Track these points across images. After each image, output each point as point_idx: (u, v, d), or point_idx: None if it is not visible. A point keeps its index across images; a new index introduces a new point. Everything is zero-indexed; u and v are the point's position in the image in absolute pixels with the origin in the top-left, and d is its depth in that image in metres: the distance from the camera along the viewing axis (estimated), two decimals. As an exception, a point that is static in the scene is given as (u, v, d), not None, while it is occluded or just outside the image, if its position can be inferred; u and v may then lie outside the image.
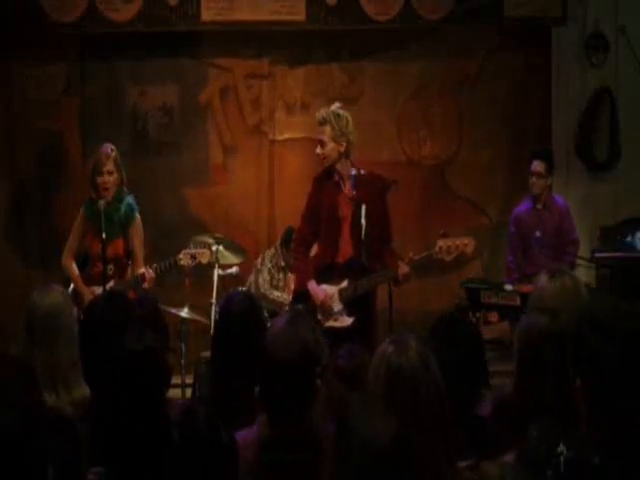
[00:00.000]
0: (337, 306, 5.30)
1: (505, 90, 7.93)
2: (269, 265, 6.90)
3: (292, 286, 6.79)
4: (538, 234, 6.56)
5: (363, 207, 5.20)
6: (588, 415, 2.18)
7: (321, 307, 5.29)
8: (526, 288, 6.01)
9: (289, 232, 6.82)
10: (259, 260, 6.97)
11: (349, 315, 5.28)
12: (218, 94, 7.83)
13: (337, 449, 2.12)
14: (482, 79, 7.92)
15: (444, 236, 5.30)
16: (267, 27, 7.49)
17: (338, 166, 5.33)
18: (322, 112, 5.36)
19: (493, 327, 6.62)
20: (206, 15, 7.39)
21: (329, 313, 5.29)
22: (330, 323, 5.28)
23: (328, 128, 5.29)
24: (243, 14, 7.43)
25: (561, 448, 1.87)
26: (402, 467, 2.08)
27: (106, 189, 5.54)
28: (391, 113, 7.82)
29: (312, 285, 5.33)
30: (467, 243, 5.27)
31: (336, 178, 5.31)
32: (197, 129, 7.82)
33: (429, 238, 7.79)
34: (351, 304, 5.27)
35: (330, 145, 5.29)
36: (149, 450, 2.48)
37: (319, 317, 5.32)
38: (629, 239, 6.95)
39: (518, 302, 6.22)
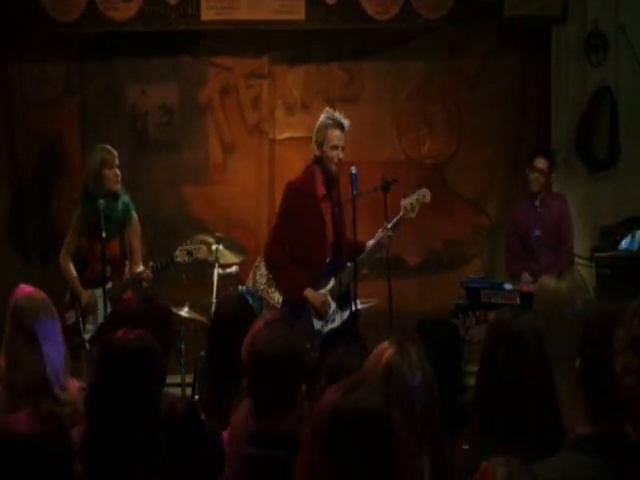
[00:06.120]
0: (332, 307, 5.38)
1: (505, 89, 7.93)
2: (266, 259, 6.90)
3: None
4: (537, 233, 6.55)
5: (338, 206, 5.48)
6: (586, 405, 2.21)
7: (321, 310, 5.33)
8: (526, 288, 6.02)
9: None
10: (258, 257, 6.98)
11: (342, 310, 5.36)
12: (218, 93, 7.83)
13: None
14: (482, 78, 7.92)
15: (404, 196, 5.56)
16: (267, 26, 7.49)
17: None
18: (341, 117, 5.46)
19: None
20: (206, 14, 7.38)
21: (327, 315, 5.34)
22: (329, 326, 5.34)
23: (344, 135, 5.45)
24: (243, 13, 7.42)
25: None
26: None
27: (117, 182, 5.49)
28: (391, 112, 7.82)
29: (309, 291, 5.41)
30: (424, 194, 5.59)
31: (322, 182, 5.42)
32: (197, 128, 7.82)
33: (429, 237, 7.84)
34: (340, 300, 5.39)
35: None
36: (139, 447, 2.49)
37: (317, 327, 5.38)
38: (629, 239, 6.93)
39: (518, 301, 6.22)
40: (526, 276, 6.26)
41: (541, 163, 6.52)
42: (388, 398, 1.89)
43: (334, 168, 5.44)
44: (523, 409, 2.63)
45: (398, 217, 5.54)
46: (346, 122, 5.46)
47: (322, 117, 5.51)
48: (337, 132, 5.41)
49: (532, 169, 6.54)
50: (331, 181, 5.49)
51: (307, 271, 5.42)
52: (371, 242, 5.52)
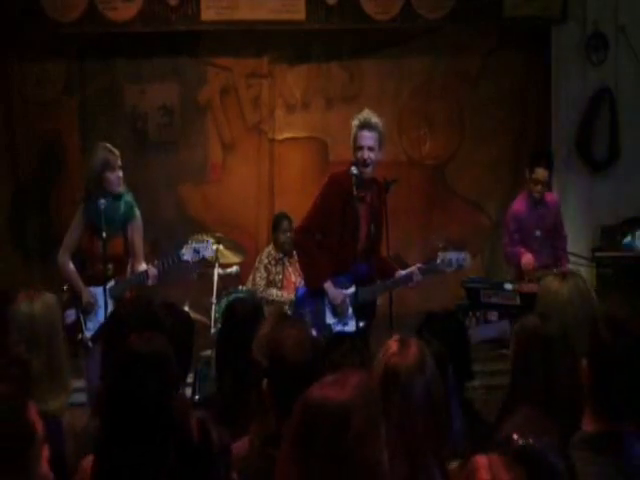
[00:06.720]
0: (349, 310, 5.32)
1: (505, 89, 7.94)
2: (265, 261, 6.89)
3: (293, 279, 6.81)
4: (538, 233, 6.55)
5: (375, 213, 5.27)
6: (593, 405, 2.23)
7: (339, 307, 5.30)
8: (526, 288, 6.02)
9: (278, 218, 6.85)
10: (257, 259, 6.99)
11: (356, 319, 5.29)
12: (218, 93, 7.84)
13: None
14: (482, 78, 7.93)
15: (444, 249, 5.39)
16: (267, 26, 7.49)
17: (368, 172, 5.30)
18: (371, 116, 5.27)
19: (493, 326, 6.61)
20: (206, 14, 7.38)
21: (344, 315, 5.30)
22: (339, 327, 5.29)
23: (377, 135, 5.25)
24: (243, 13, 7.42)
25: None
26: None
27: (119, 185, 5.46)
28: (391, 112, 7.81)
29: (330, 287, 5.31)
30: (466, 259, 5.40)
31: (357, 183, 5.25)
32: (197, 128, 7.83)
33: (429, 237, 7.84)
34: (358, 308, 5.29)
35: (377, 152, 5.25)
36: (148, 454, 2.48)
37: (328, 321, 5.32)
38: (629, 239, 6.94)
39: (518, 301, 6.22)
40: (527, 257, 6.25)
41: (541, 174, 6.47)
42: (366, 397, 1.93)
43: (360, 168, 5.20)
44: (556, 411, 2.62)
45: (434, 265, 5.41)
46: (373, 119, 5.25)
47: (354, 121, 5.35)
48: (364, 132, 5.22)
49: (533, 181, 6.50)
50: (366, 184, 5.27)
51: (333, 264, 5.31)
52: (402, 273, 5.38)
